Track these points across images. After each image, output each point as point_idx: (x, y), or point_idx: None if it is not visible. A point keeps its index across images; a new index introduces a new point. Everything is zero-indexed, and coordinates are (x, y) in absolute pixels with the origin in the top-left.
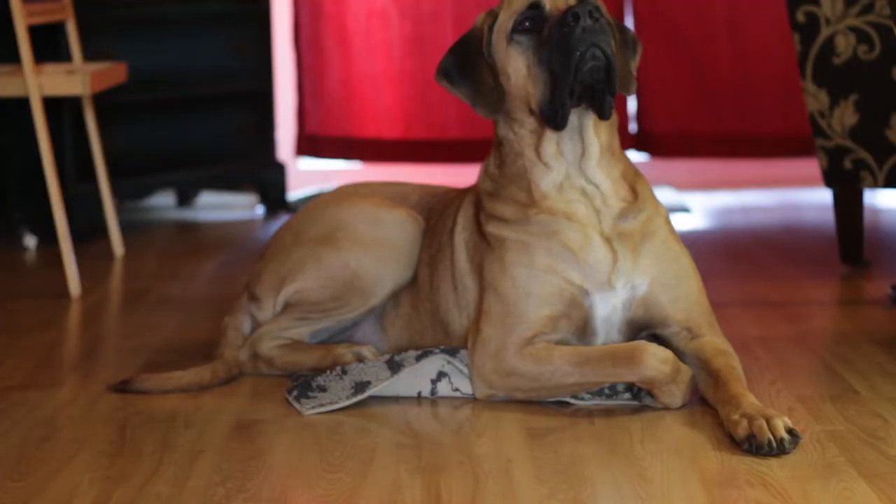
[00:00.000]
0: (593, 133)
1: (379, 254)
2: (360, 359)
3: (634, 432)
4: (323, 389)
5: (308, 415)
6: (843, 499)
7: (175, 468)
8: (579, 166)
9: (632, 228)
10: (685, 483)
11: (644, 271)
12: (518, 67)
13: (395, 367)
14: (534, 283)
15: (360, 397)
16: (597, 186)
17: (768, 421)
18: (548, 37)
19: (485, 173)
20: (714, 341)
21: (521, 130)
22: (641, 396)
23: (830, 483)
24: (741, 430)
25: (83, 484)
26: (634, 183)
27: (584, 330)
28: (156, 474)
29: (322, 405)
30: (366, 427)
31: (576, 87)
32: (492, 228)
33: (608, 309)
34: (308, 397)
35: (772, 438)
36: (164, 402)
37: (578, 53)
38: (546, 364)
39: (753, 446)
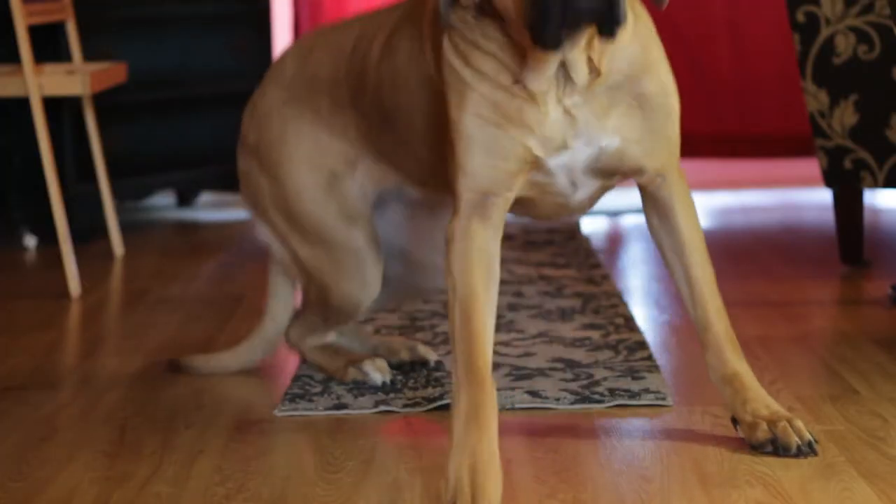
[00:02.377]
0: (581, 61)
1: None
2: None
3: (634, 432)
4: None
5: (280, 415)
6: (843, 499)
7: (175, 468)
8: (565, 85)
9: (600, 92)
10: (685, 483)
11: (614, 130)
12: None
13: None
14: (485, 134)
15: (334, 412)
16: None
17: (790, 422)
18: None
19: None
20: (684, 202)
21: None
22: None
23: (830, 483)
24: (760, 434)
25: (83, 484)
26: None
27: (545, 185)
28: (156, 474)
29: (297, 411)
30: (366, 427)
31: (568, 15)
32: (468, 77)
33: (566, 164)
34: (295, 402)
35: (800, 442)
36: (164, 402)
37: None
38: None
39: (778, 449)
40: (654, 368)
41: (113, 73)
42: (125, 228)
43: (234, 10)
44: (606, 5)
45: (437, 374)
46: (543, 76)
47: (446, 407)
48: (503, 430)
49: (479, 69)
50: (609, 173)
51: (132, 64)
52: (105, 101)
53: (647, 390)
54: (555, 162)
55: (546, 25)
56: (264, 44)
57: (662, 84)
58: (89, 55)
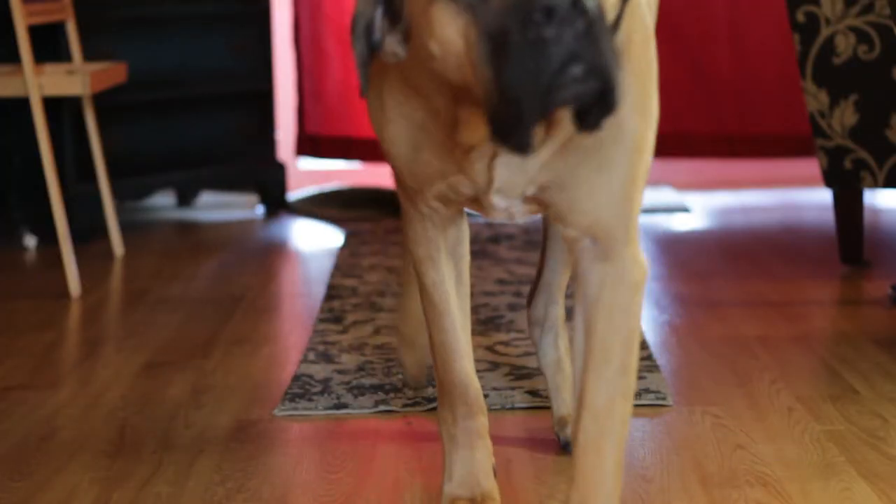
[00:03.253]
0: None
1: None
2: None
3: (634, 432)
4: (310, 399)
5: (279, 415)
6: (843, 499)
7: (175, 468)
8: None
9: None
10: (685, 483)
11: (543, 177)
12: (448, 37)
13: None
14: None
15: (333, 412)
16: None
17: None
18: (500, 14)
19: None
20: (616, 290)
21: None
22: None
23: (830, 483)
24: None
25: (83, 484)
26: None
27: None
28: (156, 474)
29: (297, 410)
30: (366, 427)
31: (547, 111)
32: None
33: (493, 202)
34: (295, 402)
35: None
36: (164, 402)
37: (552, 71)
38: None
39: None
40: (654, 368)
41: (113, 73)
42: (125, 228)
43: (234, 10)
44: (601, 90)
45: None
46: (478, 133)
47: None
48: (503, 430)
49: (406, 104)
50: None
51: (132, 64)
52: (105, 101)
53: (647, 390)
54: (479, 195)
55: (518, 126)
56: (264, 44)
57: (632, 130)
58: (89, 55)
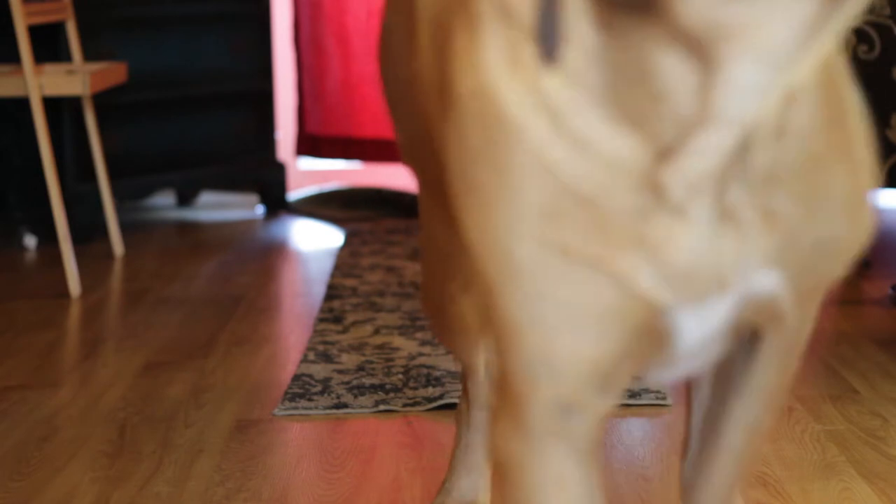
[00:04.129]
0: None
1: None
2: None
3: (634, 432)
4: (310, 399)
5: (279, 415)
6: (843, 499)
7: (175, 468)
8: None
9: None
10: None
11: (775, 254)
12: None
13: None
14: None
15: (333, 411)
16: None
17: None
18: None
19: None
20: (792, 345)
21: None
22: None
23: (830, 483)
24: None
25: (83, 484)
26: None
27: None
28: (156, 474)
29: (297, 410)
30: (366, 427)
31: None
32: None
33: (704, 330)
34: (295, 401)
35: None
36: (164, 402)
37: None
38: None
39: None
40: None
41: (113, 73)
42: (125, 228)
43: (234, 10)
44: None
45: (437, 373)
46: (710, 140)
47: (446, 407)
48: None
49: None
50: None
51: (132, 64)
52: (105, 101)
53: (647, 390)
54: (688, 319)
55: None
56: (264, 44)
57: (856, 173)
58: (89, 55)
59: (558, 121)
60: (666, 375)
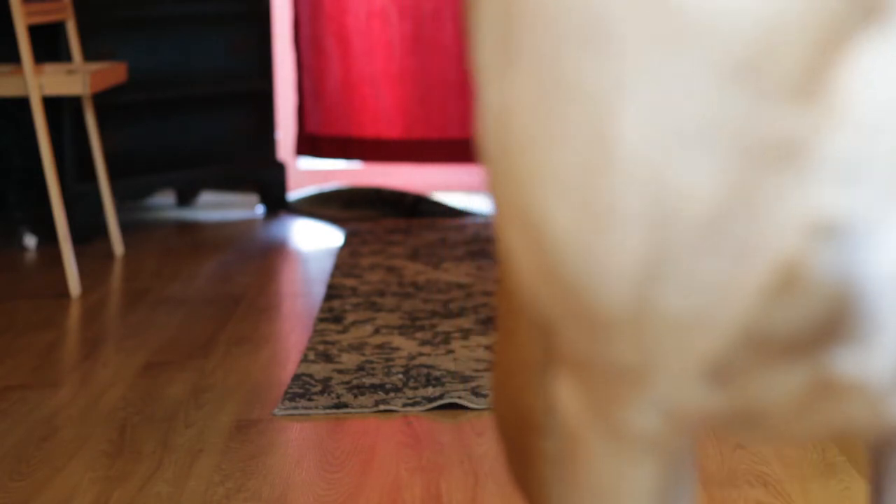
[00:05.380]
0: None
1: None
2: None
3: None
4: (310, 399)
5: (279, 415)
6: (843, 498)
7: (175, 468)
8: None
9: None
10: None
11: None
12: None
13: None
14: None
15: (333, 411)
16: None
17: None
18: None
19: None
20: None
21: None
22: None
23: (830, 483)
24: None
25: (83, 484)
26: None
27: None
28: (156, 474)
29: (297, 410)
30: (366, 427)
31: None
32: None
33: None
34: (295, 401)
35: None
36: (164, 402)
37: None
38: None
39: None
40: None
41: (113, 73)
42: (125, 228)
43: (234, 9)
44: None
45: (437, 373)
46: None
47: (446, 407)
48: None
49: None
50: None
51: (132, 64)
52: (105, 101)
53: None
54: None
55: None
56: (264, 44)
57: None
58: (89, 55)
59: None
60: (853, 369)
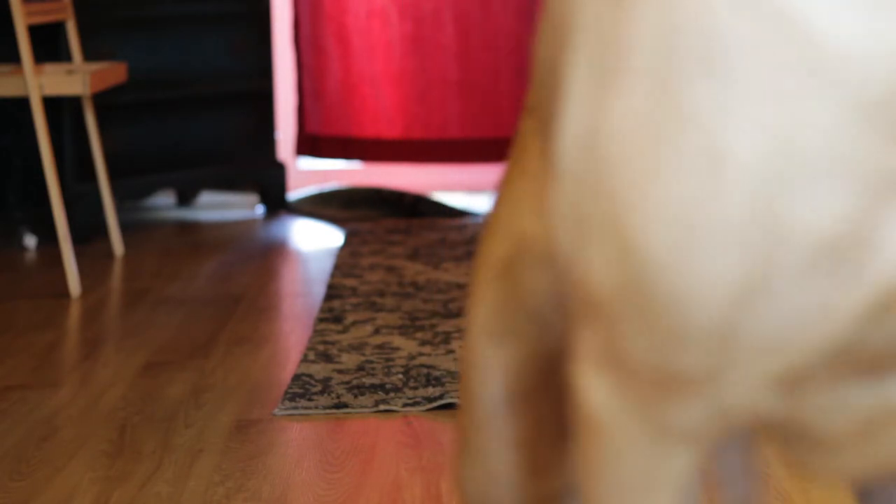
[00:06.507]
0: None
1: None
2: None
3: None
4: (310, 399)
5: (279, 415)
6: (844, 498)
7: (175, 468)
8: None
9: None
10: None
11: None
12: None
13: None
14: None
15: (333, 411)
16: None
17: None
18: None
19: None
20: None
21: None
22: None
23: (830, 483)
24: None
25: (83, 484)
26: None
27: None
28: (156, 474)
29: (297, 410)
30: (366, 427)
31: None
32: None
33: None
34: (295, 401)
35: None
36: (164, 402)
37: None
38: None
39: None
40: None
41: (113, 73)
42: (125, 228)
43: (234, 10)
44: None
45: (437, 373)
46: None
47: (446, 406)
48: None
49: None
50: None
51: (132, 64)
52: (105, 101)
53: None
54: None
55: None
56: (264, 44)
57: None
58: (89, 55)
59: None
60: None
